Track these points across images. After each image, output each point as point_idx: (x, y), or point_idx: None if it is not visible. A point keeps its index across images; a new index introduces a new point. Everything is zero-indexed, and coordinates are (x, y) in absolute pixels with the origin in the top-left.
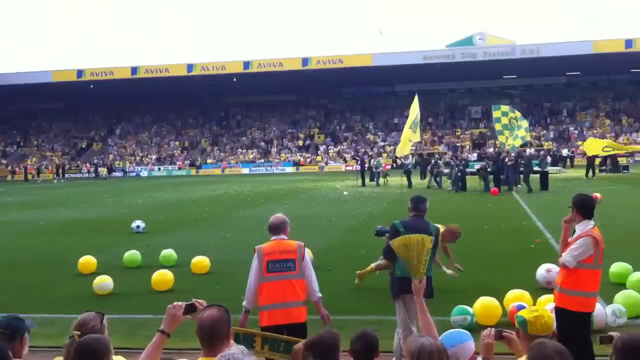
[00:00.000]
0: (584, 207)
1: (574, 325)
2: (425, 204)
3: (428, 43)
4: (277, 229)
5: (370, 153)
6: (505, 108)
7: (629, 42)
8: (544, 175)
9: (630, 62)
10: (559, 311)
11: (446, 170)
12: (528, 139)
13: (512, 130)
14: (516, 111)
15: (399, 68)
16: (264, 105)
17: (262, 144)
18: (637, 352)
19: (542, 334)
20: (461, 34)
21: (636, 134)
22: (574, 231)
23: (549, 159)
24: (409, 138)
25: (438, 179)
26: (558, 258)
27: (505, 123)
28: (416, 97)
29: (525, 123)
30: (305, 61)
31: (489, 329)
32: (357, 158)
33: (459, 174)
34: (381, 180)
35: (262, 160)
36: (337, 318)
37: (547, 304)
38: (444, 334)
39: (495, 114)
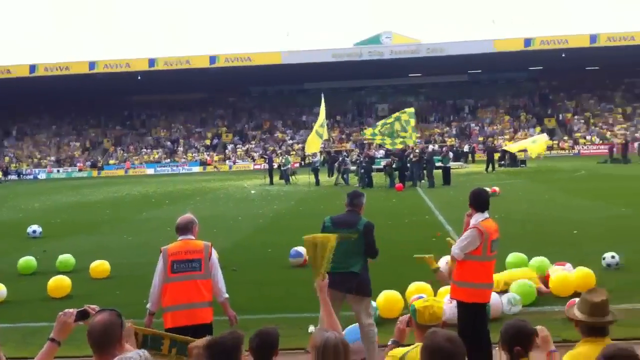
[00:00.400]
0: (476, 201)
1: (469, 316)
2: (360, 199)
3: (336, 41)
4: (184, 229)
5: (278, 151)
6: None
7: (527, 41)
8: (446, 171)
9: (529, 61)
10: (456, 302)
11: (353, 168)
12: (410, 143)
13: (392, 135)
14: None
15: (308, 66)
16: (170, 104)
17: (168, 143)
18: (520, 335)
19: (430, 324)
20: (368, 33)
21: (533, 129)
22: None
23: (451, 154)
24: (319, 136)
25: (345, 176)
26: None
27: (390, 126)
28: (322, 97)
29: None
30: (213, 59)
31: (405, 315)
32: (265, 157)
33: (362, 170)
34: (290, 178)
35: (168, 160)
36: (243, 318)
37: (446, 295)
38: (347, 328)
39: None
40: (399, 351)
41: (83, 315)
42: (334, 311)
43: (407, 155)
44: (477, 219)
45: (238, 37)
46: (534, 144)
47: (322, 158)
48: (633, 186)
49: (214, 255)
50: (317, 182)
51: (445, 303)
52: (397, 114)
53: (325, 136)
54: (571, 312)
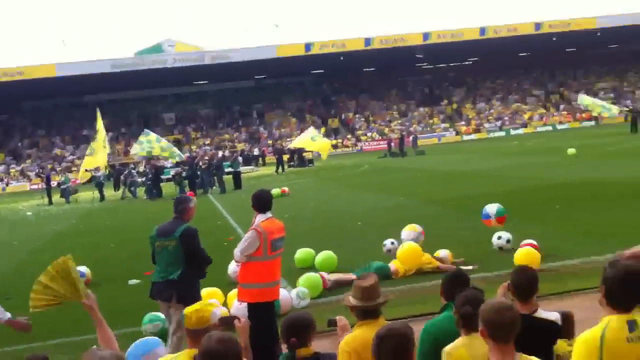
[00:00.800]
0: (256, 202)
1: (258, 315)
2: (184, 205)
3: (117, 51)
4: None
5: (58, 169)
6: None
7: (308, 46)
8: (237, 175)
9: (310, 64)
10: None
11: (141, 180)
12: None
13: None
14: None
15: (85, 77)
16: None
17: None
18: (294, 326)
19: (198, 328)
20: (149, 42)
21: (319, 130)
22: None
23: (240, 159)
24: (101, 153)
25: (132, 188)
26: None
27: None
28: (98, 112)
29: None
30: None
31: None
32: (42, 175)
33: (149, 182)
34: (71, 197)
35: None
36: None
37: (209, 297)
38: (133, 343)
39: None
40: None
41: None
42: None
43: (196, 163)
44: (258, 219)
45: (9, 50)
46: (313, 141)
47: (106, 172)
48: (409, 177)
49: None
50: (102, 198)
51: (234, 306)
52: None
53: (107, 150)
54: (346, 299)
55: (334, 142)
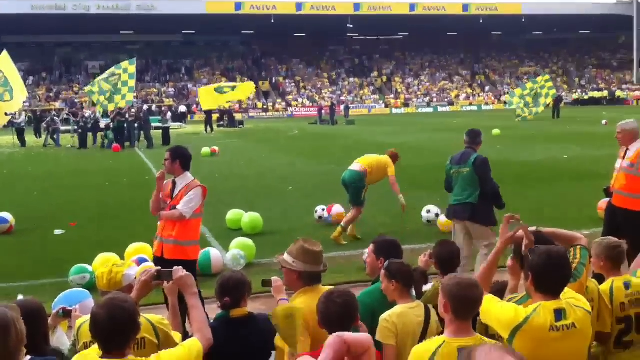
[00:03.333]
0: (185, 159)
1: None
2: (479, 137)
3: None
4: None
5: None
6: (125, 65)
7: (238, 5)
8: (166, 131)
9: (240, 25)
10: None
11: (64, 128)
12: (123, 105)
13: (117, 90)
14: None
15: (3, 17)
16: None
17: None
18: (225, 286)
19: (109, 290)
20: None
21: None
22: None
23: (169, 115)
24: (19, 96)
25: (56, 136)
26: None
27: (114, 82)
28: (5, 54)
29: (125, 90)
30: None
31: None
32: None
33: (80, 130)
34: None
35: None
36: None
37: (138, 254)
38: (62, 294)
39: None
40: (80, 320)
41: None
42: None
43: (122, 114)
44: (189, 178)
45: None
46: (222, 93)
47: (26, 118)
48: (339, 144)
49: None
50: (23, 144)
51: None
52: (113, 69)
53: (25, 94)
54: (287, 262)
55: (264, 105)
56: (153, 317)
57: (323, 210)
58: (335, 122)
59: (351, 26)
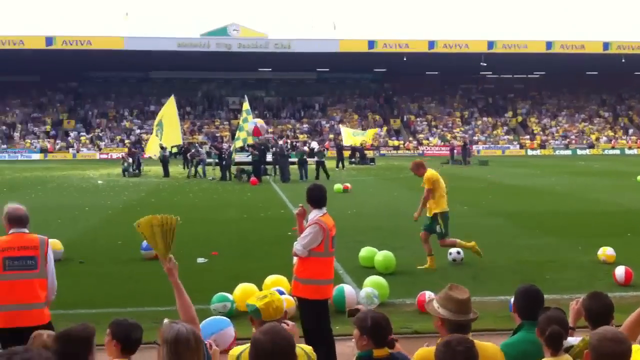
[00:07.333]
0: (313, 197)
1: (313, 312)
2: None
3: (181, 30)
4: (19, 221)
5: (126, 141)
6: (246, 106)
7: (371, 43)
8: (322, 165)
9: (373, 62)
10: (298, 300)
11: (209, 160)
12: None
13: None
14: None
15: (152, 54)
16: (2, 86)
17: (4, 128)
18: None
19: (276, 318)
20: (214, 24)
21: (380, 129)
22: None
23: (325, 151)
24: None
25: (201, 167)
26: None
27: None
28: (172, 99)
29: (246, 126)
30: (49, 40)
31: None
32: (131, 147)
33: (223, 163)
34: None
35: (5, 146)
36: (91, 312)
37: (275, 286)
38: (203, 321)
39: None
40: (236, 350)
41: None
42: (180, 296)
43: (263, 149)
44: (315, 214)
45: (75, 18)
46: (355, 136)
47: (171, 149)
48: (471, 186)
49: (50, 251)
50: (167, 174)
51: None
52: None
53: (179, 141)
54: (433, 309)
55: (396, 142)
56: (306, 347)
57: (458, 253)
58: (468, 162)
59: (484, 64)
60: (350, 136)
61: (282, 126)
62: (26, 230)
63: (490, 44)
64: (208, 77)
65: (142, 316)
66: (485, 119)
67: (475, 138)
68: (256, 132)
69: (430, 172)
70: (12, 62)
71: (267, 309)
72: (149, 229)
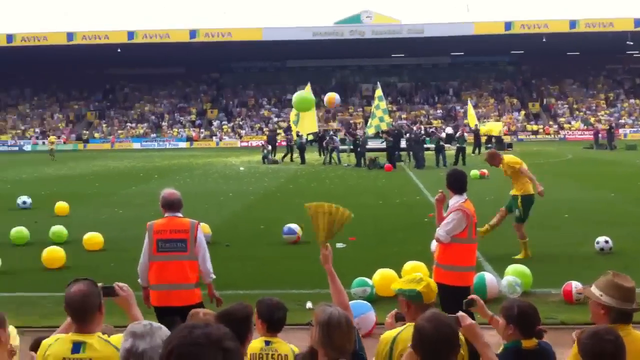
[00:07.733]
0: (454, 182)
1: (454, 300)
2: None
3: (315, 19)
4: (171, 205)
5: (264, 129)
6: (378, 92)
7: (508, 25)
8: (462, 151)
9: (510, 44)
10: (438, 286)
11: (343, 147)
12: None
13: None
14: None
15: (289, 43)
16: (150, 77)
17: (153, 117)
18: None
19: (432, 301)
20: (347, 12)
21: (518, 113)
22: (448, 206)
23: (466, 135)
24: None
25: (336, 154)
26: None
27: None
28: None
29: (379, 112)
30: (193, 33)
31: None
32: (269, 133)
33: (358, 149)
34: (278, 156)
35: (154, 135)
36: (239, 293)
37: (414, 272)
38: (351, 302)
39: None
40: (390, 334)
41: (109, 292)
42: (333, 282)
43: (397, 134)
44: (457, 200)
45: (216, 11)
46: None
47: (307, 137)
48: (618, 172)
49: (201, 234)
50: (303, 161)
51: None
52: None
53: (315, 129)
54: (595, 296)
55: (535, 127)
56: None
57: (607, 242)
58: (614, 147)
59: (631, 43)
60: (474, 119)
61: (415, 112)
62: (179, 214)
63: (637, 22)
64: (341, 65)
65: (286, 298)
66: (632, 101)
67: (622, 121)
68: (331, 102)
69: (507, 157)
70: (159, 55)
71: (428, 292)
72: (316, 214)
